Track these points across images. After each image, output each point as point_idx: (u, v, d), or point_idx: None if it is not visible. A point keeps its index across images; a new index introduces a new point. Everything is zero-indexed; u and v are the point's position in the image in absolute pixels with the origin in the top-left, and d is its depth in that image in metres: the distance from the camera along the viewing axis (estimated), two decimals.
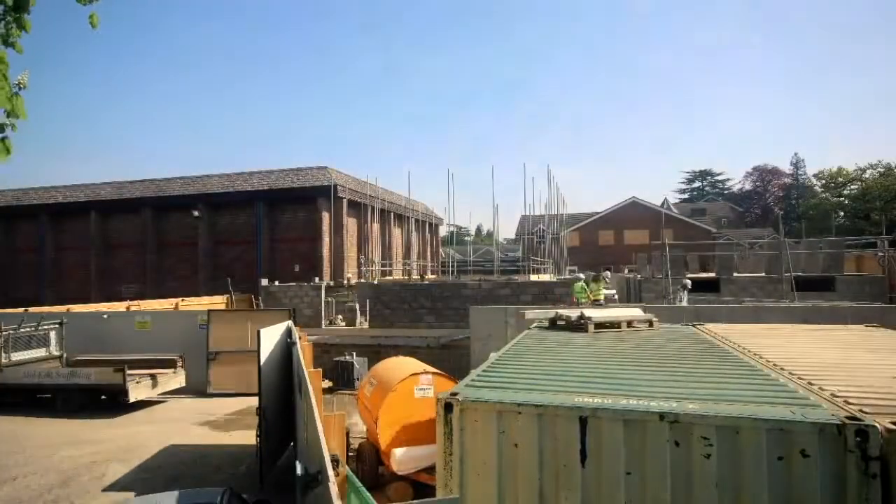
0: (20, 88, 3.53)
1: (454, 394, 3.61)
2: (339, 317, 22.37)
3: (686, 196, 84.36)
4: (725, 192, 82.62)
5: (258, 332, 7.48)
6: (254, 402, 11.08)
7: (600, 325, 6.42)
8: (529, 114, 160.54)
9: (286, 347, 8.40)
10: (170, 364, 13.71)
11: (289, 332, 8.71)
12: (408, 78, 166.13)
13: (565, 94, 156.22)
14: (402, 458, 7.50)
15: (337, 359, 15.45)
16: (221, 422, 11.73)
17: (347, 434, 7.71)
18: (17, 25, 3.64)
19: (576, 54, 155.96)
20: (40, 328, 13.84)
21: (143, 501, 5.11)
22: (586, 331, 6.26)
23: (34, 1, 3.64)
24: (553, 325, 6.99)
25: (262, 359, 7.36)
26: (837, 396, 3.36)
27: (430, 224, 41.54)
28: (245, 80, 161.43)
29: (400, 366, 8.91)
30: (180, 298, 23.50)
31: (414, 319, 20.03)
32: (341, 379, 14.96)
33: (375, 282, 24.77)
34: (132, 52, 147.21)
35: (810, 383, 3.73)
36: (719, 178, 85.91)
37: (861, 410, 3.01)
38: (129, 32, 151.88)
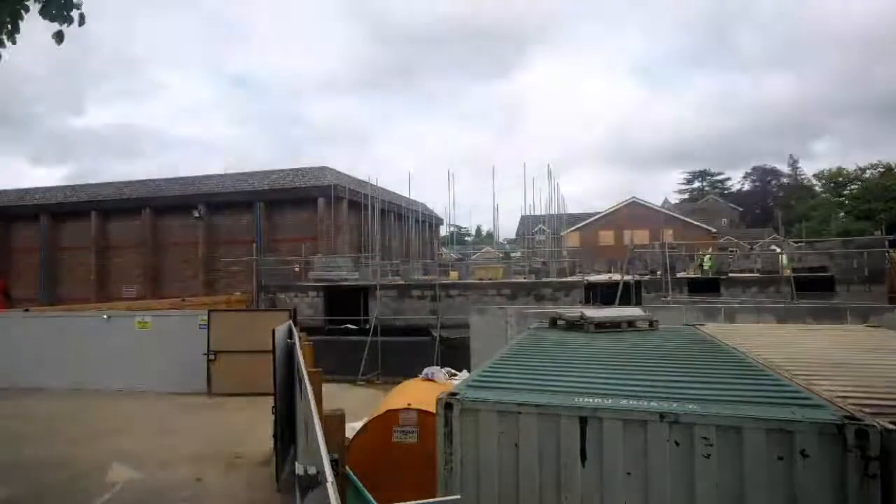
0: None
1: (454, 394, 3.61)
2: None
3: (686, 196, 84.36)
4: (725, 192, 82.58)
5: (273, 331, 7.48)
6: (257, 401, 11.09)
7: (600, 325, 6.40)
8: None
9: (287, 347, 8.40)
10: None
11: (289, 332, 8.72)
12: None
13: None
14: None
15: None
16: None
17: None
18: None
19: None
20: None
21: None
22: (586, 331, 6.25)
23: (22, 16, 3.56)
24: (553, 324, 6.98)
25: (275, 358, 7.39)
26: (837, 396, 3.34)
27: (431, 224, 41.50)
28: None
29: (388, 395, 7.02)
30: (181, 298, 23.49)
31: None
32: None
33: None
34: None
35: (810, 383, 3.72)
36: (719, 178, 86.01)
37: (861, 410, 3.00)
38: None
